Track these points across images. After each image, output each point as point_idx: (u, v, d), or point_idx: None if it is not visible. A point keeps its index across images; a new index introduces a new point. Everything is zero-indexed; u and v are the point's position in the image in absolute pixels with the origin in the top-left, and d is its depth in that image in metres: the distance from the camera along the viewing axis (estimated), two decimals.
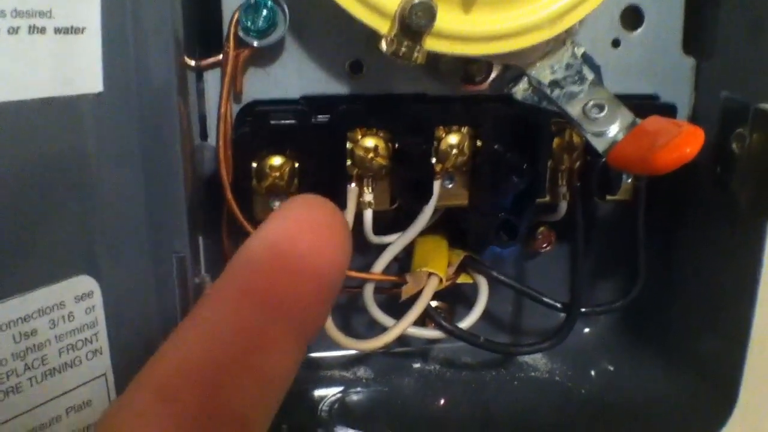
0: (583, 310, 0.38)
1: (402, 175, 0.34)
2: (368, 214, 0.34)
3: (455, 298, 0.42)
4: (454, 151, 0.34)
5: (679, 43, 0.36)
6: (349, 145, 0.33)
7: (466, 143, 0.34)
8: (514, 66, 0.32)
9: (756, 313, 0.35)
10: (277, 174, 0.32)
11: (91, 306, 0.27)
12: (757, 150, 0.33)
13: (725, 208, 0.36)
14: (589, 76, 0.32)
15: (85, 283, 0.27)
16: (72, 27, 0.25)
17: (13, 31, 0.23)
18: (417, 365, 0.43)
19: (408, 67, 0.29)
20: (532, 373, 0.43)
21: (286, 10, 0.30)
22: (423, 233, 0.37)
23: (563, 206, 0.37)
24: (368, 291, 0.37)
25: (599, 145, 0.30)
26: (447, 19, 0.28)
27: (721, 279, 0.38)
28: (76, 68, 0.25)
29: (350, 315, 0.41)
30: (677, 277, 0.41)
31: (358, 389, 0.41)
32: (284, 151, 0.32)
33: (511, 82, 0.32)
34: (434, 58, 0.30)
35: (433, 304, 0.38)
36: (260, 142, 0.32)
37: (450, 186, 0.35)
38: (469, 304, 0.39)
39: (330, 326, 0.35)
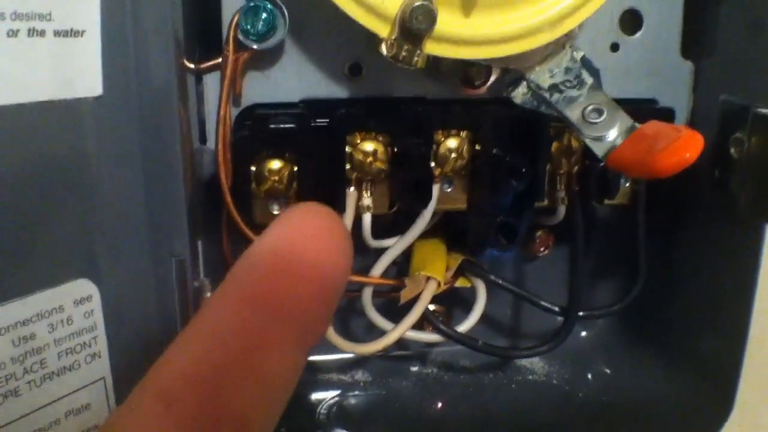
0: (581, 313, 0.38)
1: (401, 179, 0.34)
2: (367, 218, 0.34)
3: (452, 301, 0.42)
4: (453, 155, 0.34)
5: (677, 47, 0.36)
6: (348, 149, 0.33)
7: (465, 147, 0.34)
8: (513, 69, 0.32)
9: (754, 313, 0.36)
10: (276, 177, 0.32)
11: (90, 310, 0.27)
12: (755, 153, 0.33)
13: (724, 209, 0.36)
14: (588, 80, 0.32)
15: (85, 286, 0.27)
16: (72, 29, 0.25)
17: (13, 33, 0.23)
18: (415, 368, 0.43)
19: (408, 70, 0.29)
20: (530, 377, 0.43)
21: (286, 14, 0.30)
22: (421, 237, 0.37)
23: (561, 210, 0.37)
24: (367, 294, 0.37)
25: (598, 149, 0.30)
26: (447, 22, 0.28)
27: (720, 279, 0.38)
28: (76, 71, 0.25)
29: (349, 318, 0.41)
30: (676, 278, 0.41)
31: (357, 392, 0.41)
32: (283, 154, 0.32)
33: (510, 85, 0.32)
34: (434, 61, 0.30)
35: (431, 307, 0.38)
36: (259, 146, 0.32)
37: (449, 190, 0.35)
38: (466, 308, 0.39)
39: (329, 330, 0.35)
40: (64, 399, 0.27)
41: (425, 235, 0.37)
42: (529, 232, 0.41)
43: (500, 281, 0.38)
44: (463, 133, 0.34)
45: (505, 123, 0.34)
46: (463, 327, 0.38)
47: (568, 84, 0.32)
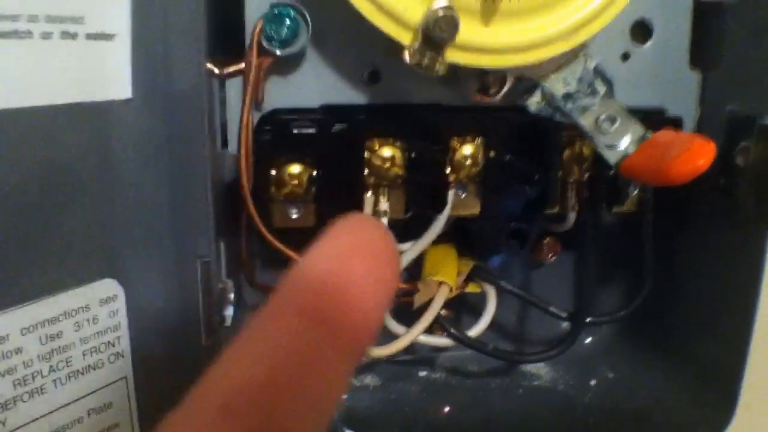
0: (588, 320, 0.39)
1: (417, 184, 0.34)
2: (383, 223, 0.35)
3: (459, 306, 0.42)
4: (469, 161, 0.34)
5: (686, 57, 0.37)
6: (366, 154, 0.33)
7: (480, 154, 0.35)
8: (527, 78, 0.33)
9: (757, 318, 0.36)
10: (296, 182, 0.32)
11: (115, 309, 0.27)
12: (761, 163, 0.34)
13: (727, 215, 0.36)
14: (601, 89, 0.32)
15: (110, 286, 0.27)
16: (102, 33, 0.25)
17: (47, 36, 0.24)
18: (423, 373, 0.43)
19: (429, 77, 0.29)
20: (536, 382, 0.44)
21: (309, 21, 0.30)
22: (432, 242, 0.37)
23: (572, 217, 0.38)
24: None
25: (611, 157, 0.31)
26: (468, 31, 0.29)
27: (722, 285, 0.38)
28: (106, 74, 0.26)
29: None
30: (679, 283, 0.41)
31: (365, 396, 0.42)
32: (303, 159, 0.33)
33: (524, 94, 0.33)
34: (453, 69, 0.30)
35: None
36: (280, 151, 0.32)
37: (463, 196, 0.36)
38: (473, 313, 0.40)
39: None
40: (87, 397, 0.27)
41: (436, 240, 0.37)
42: (537, 239, 0.41)
43: (510, 287, 0.39)
44: (479, 140, 0.35)
45: (519, 130, 0.35)
46: (473, 332, 0.38)
47: (581, 92, 0.32)
